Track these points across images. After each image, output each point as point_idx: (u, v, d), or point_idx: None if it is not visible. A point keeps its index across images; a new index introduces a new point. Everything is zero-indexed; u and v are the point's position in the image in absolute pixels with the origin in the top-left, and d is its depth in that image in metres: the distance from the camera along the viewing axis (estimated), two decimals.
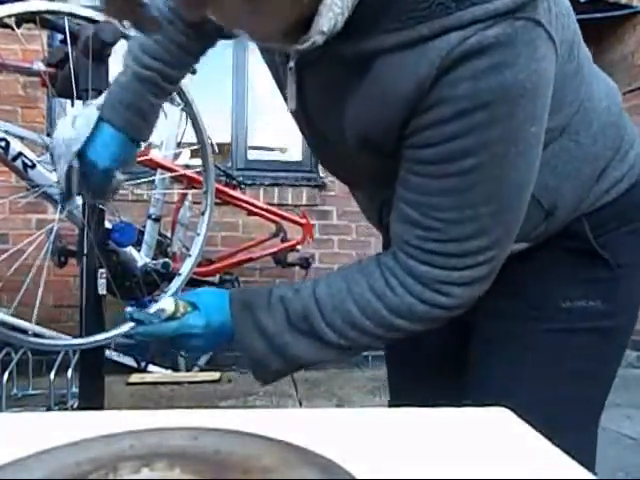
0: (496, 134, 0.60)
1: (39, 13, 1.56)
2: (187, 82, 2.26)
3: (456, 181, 0.64)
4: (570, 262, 0.79)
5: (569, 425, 0.74)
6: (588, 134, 0.74)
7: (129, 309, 0.79)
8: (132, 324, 0.81)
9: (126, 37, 1.62)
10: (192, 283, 2.17)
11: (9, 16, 1.51)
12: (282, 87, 0.74)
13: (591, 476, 0.39)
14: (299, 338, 0.73)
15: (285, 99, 0.73)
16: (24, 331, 1.64)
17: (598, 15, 3.94)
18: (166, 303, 0.76)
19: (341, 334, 0.72)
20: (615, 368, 0.84)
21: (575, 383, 0.79)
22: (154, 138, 3.07)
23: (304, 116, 0.74)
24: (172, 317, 0.76)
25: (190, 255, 1.72)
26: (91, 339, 1.51)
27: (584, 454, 0.68)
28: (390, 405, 1.03)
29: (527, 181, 0.66)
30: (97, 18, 1.59)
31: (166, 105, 2.48)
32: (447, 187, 0.64)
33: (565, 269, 0.80)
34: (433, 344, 0.92)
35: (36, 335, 1.63)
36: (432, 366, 0.95)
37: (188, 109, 1.90)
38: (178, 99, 1.83)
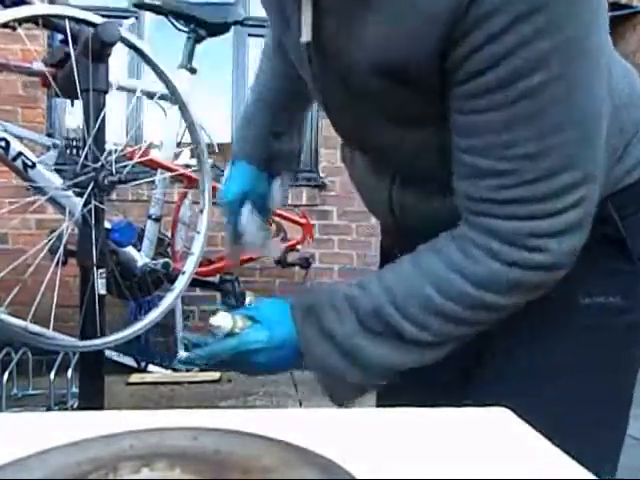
0: (563, 38, 0.52)
1: (42, 17, 1.57)
2: (183, 82, 2.27)
3: (526, 105, 0.54)
4: (595, 251, 0.68)
5: (594, 423, 0.70)
6: (615, 109, 0.66)
7: (186, 335, 0.73)
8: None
9: (125, 39, 1.63)
10: (192, 283, 2.17)
11: (14, 21, 1.52)
12: (287, 23, 0.66)
13: (591, 476, 0.39)
14: (375, 340, 0.64)
15: (289, 47, 0.68)
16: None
17: None
18: (222, 319, 0.69)
19: (422, 325, 0.62)
20: (637, 366, 0.77)
21: (597, 380, 0.73)
22: (154, 138, 3.07)
23: (317, 51, 0.64)
24: (230, 334, 0.69)
25: (192, 253, 1.72)
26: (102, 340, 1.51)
27: (610, 450, 0.65)
28: (378, 405, 0.97)
29: (604, 98, 0.57)
30: (97, 21, 1.59)
31: (166, 105, 2.49)
32: (516, 115, 0.55)
33: (588, 260, 0.68)
34: None
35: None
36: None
37: (183, 109, 1.91)
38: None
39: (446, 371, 0.77)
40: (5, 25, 1.55)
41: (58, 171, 1.83)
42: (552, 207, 0.57)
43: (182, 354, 0.79)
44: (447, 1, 0.52)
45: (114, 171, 1.61)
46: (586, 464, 0.40)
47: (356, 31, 0.59)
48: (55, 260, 1.67)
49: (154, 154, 2.35)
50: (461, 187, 0.62)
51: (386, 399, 0.92)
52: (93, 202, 1.54)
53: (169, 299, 1.95)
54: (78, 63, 1.55)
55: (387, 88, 0.60)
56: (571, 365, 0.71)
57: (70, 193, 1.70)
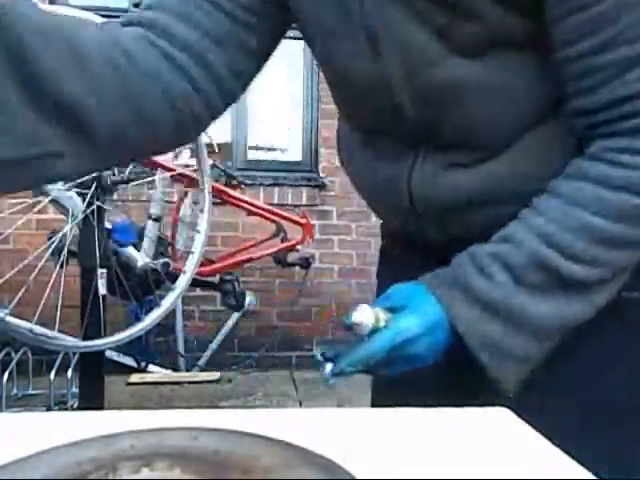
0: None
1: None
2: None
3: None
4: None
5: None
6: None
7: (319, 351, 0.61)
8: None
9: None
10: (192, 283, 2.17)
11: None
12: None
13: (591, 476, 0.39)
14: (537, 295, 0.55)
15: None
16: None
17: None
18: (363, 315, 0.58)
19: (589, 260, 0.54)
20: None
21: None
22: None
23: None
24: (375, 329, 0.58)
25: (193, 252, 1.72)
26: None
27: None
28: (373, 404, 0.88)
29: None
30: (97, 21, 1.60)
31: None
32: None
33: None
34: None
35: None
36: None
37: None
38: None
39: (440, 374, 0.70)
40: None
41: None
42: None
43: (327, 369, 0.56)
44: None
45: (116, 171, 1.61)
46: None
47: None
48: (59, 262, 1.68)
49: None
50: (593, 102, 0.54)
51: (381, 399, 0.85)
52: (96, 203, 1.54)
53: (170, 299, 1.96)
54: None
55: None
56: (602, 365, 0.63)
57: (72, 194, 1.70)
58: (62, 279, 1.63)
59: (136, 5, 2.42)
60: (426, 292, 0.59)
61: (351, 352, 0.58)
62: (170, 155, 2.46)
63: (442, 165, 0.65)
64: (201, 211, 1.65)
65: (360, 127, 0.74)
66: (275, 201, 3.40)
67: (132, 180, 1.79)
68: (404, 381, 0.64)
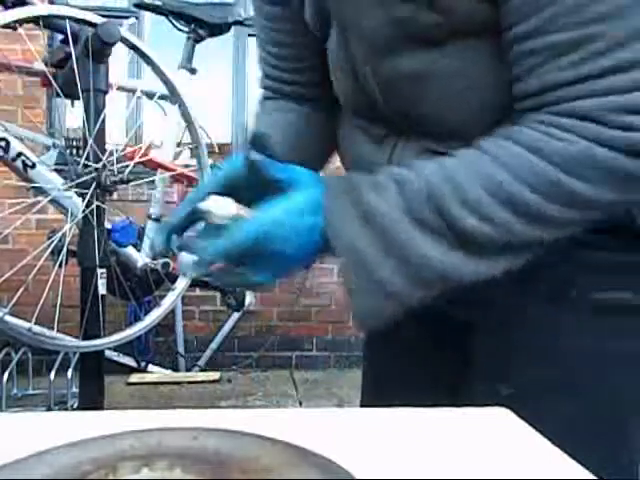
0: None
1: (43, 17, 1.58)
2: (183, 81, 2.27)
3: None
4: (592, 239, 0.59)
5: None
6: None
7: (176, 243, 0.57)
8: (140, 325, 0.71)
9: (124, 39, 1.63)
10: (192, 283, 2.17)
11: (16, 22, 1.53)
12: None
13: (591, 476, 0.39)
14: (424, 230, 0.51)
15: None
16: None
17: None
18: (217, 203, 0.53)
19: (485, 215, 0.50)
20: None
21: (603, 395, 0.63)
22: (154, 138, 3.07)
23: None
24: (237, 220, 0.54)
25: None
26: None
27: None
28: (362, 405, 0.87)
29: None
30: (97, 21, 1.60)
31: (166, 105, 2.48)
32: None
33: (586, 249, 0.60)
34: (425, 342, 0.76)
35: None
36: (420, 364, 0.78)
37: (182, 109, 1.91)
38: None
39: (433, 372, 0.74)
40: (6, 25, 1.56)
41: (58, 171, 1.83)
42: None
43: (183, 259, 0.54)
44: None
45: (116, 171, 1.61)
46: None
47: None
48: (58, 261, 1.68)
49: (154, 154, 2.35)
50: (529, 86, 0.52)
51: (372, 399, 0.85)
52: (95, 202, 1.54)
53: (170, 299, 1.96)
54: (78, 63, 1.55)
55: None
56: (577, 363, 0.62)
57: (72, 194, 1.70)
58: (61, 279, 1.63)
59: (136, 5, 2.42)
60: (316, 180, 0.57)
61: (211, 242, 0.53)
62: (170, 155, 2.47)
63: (419, 152, 0.63)
64: None
65: (348, 110, 0.75)
66: None
67: (132, 180, 1.79)
68: (392, 379, 0.61)
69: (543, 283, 0.62)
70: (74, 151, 1.86)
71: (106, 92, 1.61)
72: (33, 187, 1.85)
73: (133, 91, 2.30)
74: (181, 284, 1.84)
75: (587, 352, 0.61)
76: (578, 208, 0.51)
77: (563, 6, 0.48)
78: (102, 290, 1.61)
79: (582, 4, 0.47)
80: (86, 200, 1.56)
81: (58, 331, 1.70)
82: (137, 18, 3.35)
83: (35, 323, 1.60)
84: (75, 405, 2.26)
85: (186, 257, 0.55)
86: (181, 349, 3.41)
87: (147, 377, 3.16)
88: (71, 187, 1.58)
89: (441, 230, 0.51)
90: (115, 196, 1.99)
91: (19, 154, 1.83)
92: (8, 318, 1.57)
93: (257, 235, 0.52)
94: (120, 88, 2.21)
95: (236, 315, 3.46)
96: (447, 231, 0.51)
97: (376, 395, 0.83)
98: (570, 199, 0.50)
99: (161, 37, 3.27)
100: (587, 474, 0.39)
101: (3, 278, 1.62)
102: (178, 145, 2.40)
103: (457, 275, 0.52)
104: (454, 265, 0.52)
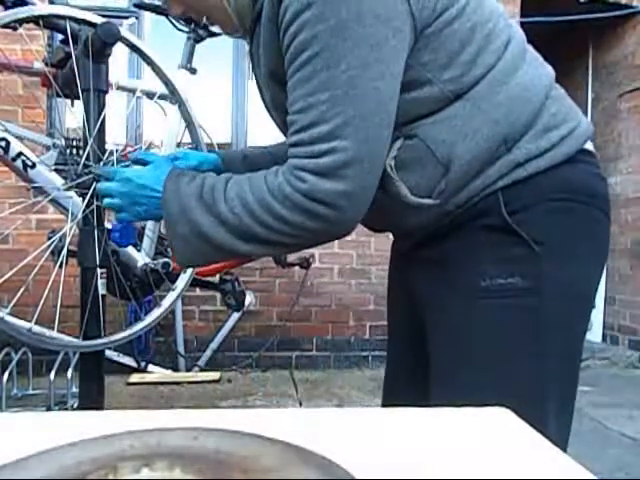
0: (323, 28, 0.72)
1: (43, 17, 1.58)
2: (183, 82, 2.27)
3: (299, 74, 0.75)
4: (487, 240, 0.83)
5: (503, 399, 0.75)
6: (492, 102, 0.80)
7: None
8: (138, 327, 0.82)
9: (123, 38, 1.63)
10: (192, 283, 2.17)
11: (15, 21, 1.53)
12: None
13: (591, 476, 0.39)
14: (203, 208, 0.82)
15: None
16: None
17: (598, 15, 3.94)
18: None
19: (231, 208, 0.80)
20: (557, 351, 0.82)
21: (503, 361, 0.81)
22: (154, 138, 3.07)
23: (253, 65, 0.93)
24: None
25: None
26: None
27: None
28: (383, 405, 1.06)
29: (365, 78, 0.73)
30: (97, 21, 1.60)
31: (166, 105, 2.48)
32: (295, 81, 0.76)
33: (482, 247, 0.83)
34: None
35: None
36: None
37: (182, 109, 1.91)
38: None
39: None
40: (6, 25, 1.56)
41: (58, 171, 1.83)
42: (311, 151, 0.75)
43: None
44: (270, 12, 0.78)
45: None
46: None
47: (260, 57, 0.86)
48: (58, 262, 1.67)
49: None
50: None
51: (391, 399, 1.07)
52: (95, 202, 1.54)
53: (170, 299, 1.96)
54: (78, 63, 1.55)
55: (274, 84, 0.85)
56: (476, 345, 0.83)
57: (72, 194, 1.70)
58: (62, 279, 1.63)
59: (136, 5, 2.42)
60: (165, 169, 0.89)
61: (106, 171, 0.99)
62: None
63: None
64: None
65: None
66: None
67: None
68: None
69: (455, 275, 0.85)
70: (74, 151, 1.86)
71: (106, 92, 1.61)
72: (33, 187, 1.85)
73: (133, 91, 2.30)
74: (181, 284, 1.84)
75: (485, 325, 0.82)
76: (278, 221, 0.78)
77: (289, 100, 0.78)
78: (102, 290, 1.61)
79: (292, 102, 0.77)
80: (86, 200, 1.56)
81: (58, 331, 1.70)
82: (137, 18, 3.35)
83: (35, 323, 1.60)
84: (75, 405, 2.26)
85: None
86: (181, 349, 3.41)
87: (147, 377, 3.16)
88: (71, 187, 1.58)
89: (211, 209, 0.81)
90: None
91: (19, 154, 1.83)
92: (8, 318, 1.56)
93: (127, 177, 0.92)
94: (120, 88, 2.21)
95: (236, 315, 3.46)
96: (213, 211, 0.81)
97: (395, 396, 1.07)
98: (273, 213, 0.78)
99: (161, 37, 3.27)
100: (587, 474, 0.39)
101: (3, 278, 1.62)
102: (178, 145, 2.40)
103: (213, 240, 0.82)
104: (213, 233, 0.82)
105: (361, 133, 0.74)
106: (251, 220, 0.79)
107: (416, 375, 0.96)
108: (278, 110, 0.89)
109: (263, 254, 0.86)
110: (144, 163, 0.97)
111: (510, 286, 0.81)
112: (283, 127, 0.93)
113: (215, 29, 2.32)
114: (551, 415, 0.82)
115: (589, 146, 0.87)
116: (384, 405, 1.08)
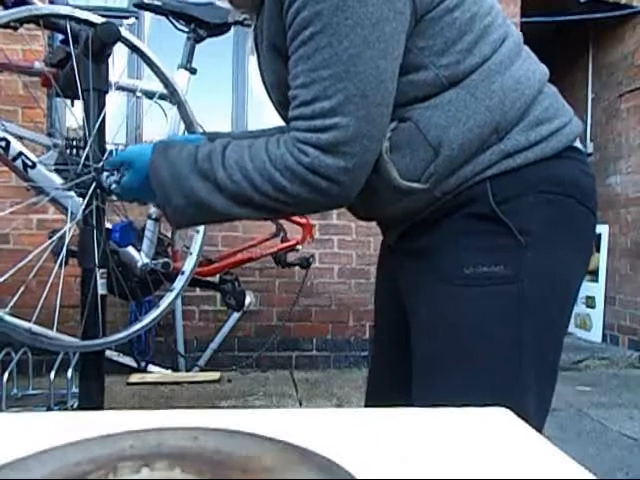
0: (326, 6, 0.73)
1: (43, 17, 1.58)
2: (183, 82, 2.27)
3: (302, 51, 0.77)
4: (472, 229, 0.84)
5: (483, 387, 0.80)
6: (486, 90, 0.81)
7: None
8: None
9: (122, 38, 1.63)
10: (192, 283, 2.17)
11: (15, 20, 1.53)
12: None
13: (591, 476, 0.39)
14: (198, 176, 0.83)
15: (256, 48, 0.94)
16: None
17: (598, 15, 3.94)
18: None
19: (230, 175, 0.81)
20: (537, 339, 0.83)
21: (484, 347, 0.82)
22: (154, 138, 3.07)
23: (257, 40, 0.94)
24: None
25: (191, 253, 1.72)
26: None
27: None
28: (367, 400, 1.09)
29: (367, 56, 0.74)
30: (97, 21, 1.60)
31: (166, 105, 2.48)
32: (297, 57, 0.78)
33: (467, 236, 0.84)
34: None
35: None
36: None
37: (182, 109, 1.91)
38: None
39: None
40: (6, 25, 1.56)
41: (58, 171, 1.83)
42: (313, 125, 0.77)
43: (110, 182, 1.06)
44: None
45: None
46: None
47: (264, 27, 0.87)
48: (58, 262, 1.67)
49: None
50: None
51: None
52: (95, 203, 1.54)
53: (169, 299, 1.95)
54: (78, 63, 1.55)
55: (276, 58, 0.86)
56: (458, 333, 0.83)
57: (72, 194, 1.70)
58: (62, 279, 1.63)
59: (136, 5, 2.41)
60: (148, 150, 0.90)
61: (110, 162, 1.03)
62: None
63: None
64: None
65: None
66: None
67: None
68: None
69: (439, 262, 0.85)
70: (74, 151, 1.86)
71: (106, 92, 1.60)
72: (33, 187, 1.85)
73: (133, 91, 2.30)
74: (180, 284, 1.84)
75: (465, 311, 0.84)
76: (277, 190, 0.80)
77: (291, 74, 0.80)
78: (102, 290, 1.61)
79: (295, 77, 0.79)
80: (86, 200, 1.56)
81: (58, 331, 1.70)
82: (137, 18, 3.35)
83: (35, 323, 1.60)
84: (75, 405, 2.26)
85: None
86: (181, 349, 3.41)
87: (147, 377, 3.16)
88: (71, 187, 1.58)
89: (208, 176, 0.82)
90: (115, 196, 1.99)
91: (19, 154, 1.83)
92: (8, 318, 1.56)
93: (125, 160, 0.95)
94: (120, 88, 2.21)
95: (236, 315, 3.46)
96: (211, 178, 0.82)
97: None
98: (274, 183, 0.79)
99: (161, 37, 3.27)
100: (587, 474, 0.39)
101: (3, 278, 1.61)
102: None
103: (209, 205, 0.83)
104: (210, 200, 0.83)
105: (362, 111, 0.75)
106: (250, 188, 0.80)
107: (399, 371, 0.97)
108: (278, 88, 0.89)
109: (257, 218, 0.89)
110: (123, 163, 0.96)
111: (493, 274, 0.82)
112: (280, 108, 0.94)
113: (216, 21, 2.32)
114: (530, 400, 0.83)
115: (578, 144, 0.88)
116: (368, 400, 1.09)
